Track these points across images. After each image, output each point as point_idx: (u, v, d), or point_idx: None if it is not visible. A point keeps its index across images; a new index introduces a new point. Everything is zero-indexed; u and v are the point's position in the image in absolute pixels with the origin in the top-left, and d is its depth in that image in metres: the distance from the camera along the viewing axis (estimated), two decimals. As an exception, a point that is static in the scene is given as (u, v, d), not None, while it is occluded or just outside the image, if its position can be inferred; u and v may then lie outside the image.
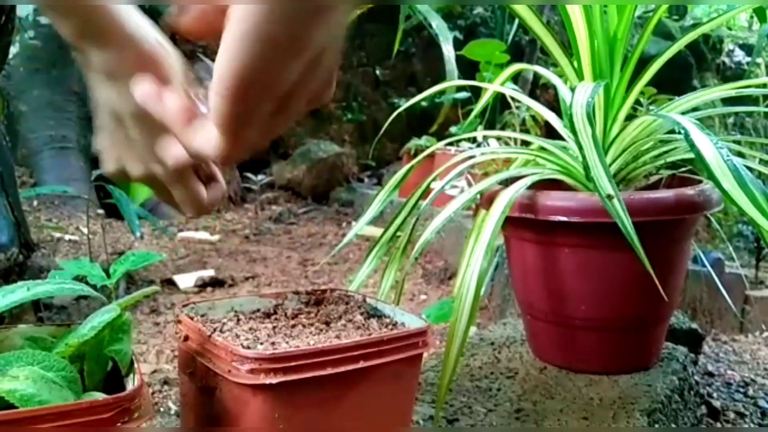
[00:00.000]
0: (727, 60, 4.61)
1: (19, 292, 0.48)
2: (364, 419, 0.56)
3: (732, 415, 1.24)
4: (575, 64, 0.90)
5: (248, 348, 0.51)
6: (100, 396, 0.41)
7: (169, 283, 1.89)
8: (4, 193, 1.43)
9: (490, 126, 2.46)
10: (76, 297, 1.63)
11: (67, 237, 2.20)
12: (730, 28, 4.65)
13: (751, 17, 4.60)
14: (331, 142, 3.76)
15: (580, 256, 0.84)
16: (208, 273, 1.98)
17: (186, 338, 0.56)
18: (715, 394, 1.33)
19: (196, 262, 2.19)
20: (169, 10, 0.46)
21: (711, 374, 1.45)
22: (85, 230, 2.20)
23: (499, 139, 1.75)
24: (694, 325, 1.22)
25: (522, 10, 0.89)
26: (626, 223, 0.65)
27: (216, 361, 0.52)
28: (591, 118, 0.69)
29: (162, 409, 1.08)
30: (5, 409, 0.37)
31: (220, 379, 0.52)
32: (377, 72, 4.33)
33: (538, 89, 3.37)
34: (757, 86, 0.93)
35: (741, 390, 1.37)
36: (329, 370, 0.52)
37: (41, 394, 0.39)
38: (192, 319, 0.58)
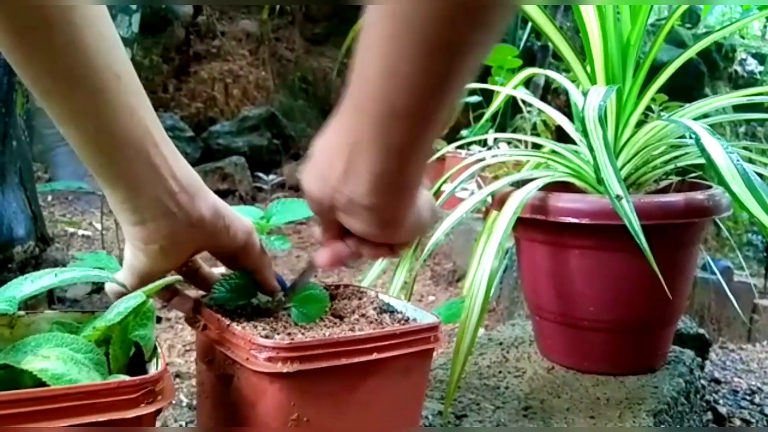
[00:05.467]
0: (739, 69, 4.60)
1: (47, 278, 0.50)
2: (375, 410, 0.58)
3: (738, 422, 1.25)
4: (588, 68, 0.92)
5: (266, 337, 0.53)
6: (126, 378, 0.43)
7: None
8: (22, 187, 1.46)
9: (501, 130, 2.47)
10: (89, 291, 1.65)
11: (80, 232, 2.22)
12: (743, 37, 4.64)
13: (765, 26, 4.59)
14: (341, 144, 3.77)
15: (589, 258, 0.85)
16: (220, 270, 2.00)
17: (205, 327, 0.58)
18: (721, 401, 1.33)
19: (208, 260, 2.20)
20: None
21: (718, 381, 1.45)
22: (99, 226, 2.22)
23: (509, 142, 1.76)
24: (701, 330, 1.22)
25: (536, 14, 0.91)
26: (634, 223, 0.66)
27: (234, 350, 0.54)
28: (603, 121, 0.70)
29: (174, 402, 1.10)
30: (37, 386, 0.39)
31: (237, 367, 0.54)
32: (389, 75, 4.34)
33: (549, 94, 3.38)
34: (768, 94, 0.94)
35: (747, 397, 1.37)
36: (344, 361, 0.53)
37: (71, 373, 0.41)
38: (211, 309, 0.59)
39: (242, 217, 0.57)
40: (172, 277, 0.54)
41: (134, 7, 3.16)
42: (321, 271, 0.61)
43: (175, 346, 1.41)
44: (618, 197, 0.67)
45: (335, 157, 0.43)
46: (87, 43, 0.44)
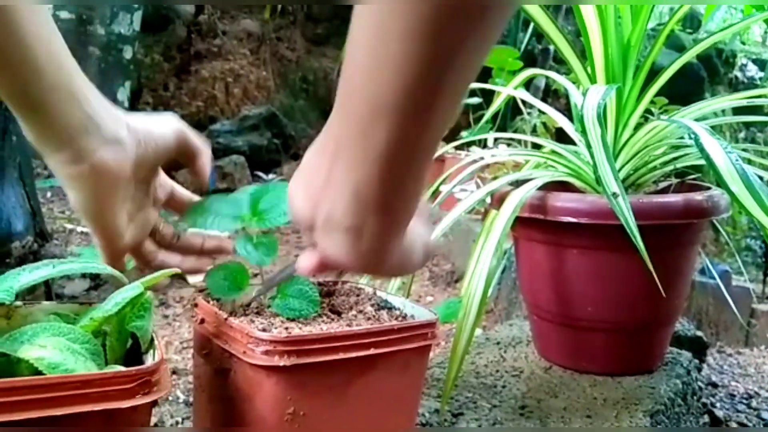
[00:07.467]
0: (739, 74, 4.60)
1: (45, 269, 0.50)
2: (371, 405, 0.57)
3: (734, 425, 1.25)
4: (589, 69, 0.92)
5: (263, 331, 0.53)
6: (122, 368, 0.43)
7: (179, 277, 1.91)
8: (21, 183, 1.46)
9: (501, 132, 2.47)
10: (87, 287, 1.65)
11: (79, 228, 2.22)
12: (743, 42, 4.65)
13: (766, 32, 4.59)
14: (341, 144, 3.78)
15: (588, 258, 0.85)
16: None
17: (202, 321, 0.58)
18: (718, 405, 1.33)
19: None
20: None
21: (715, 385, 1.45)
22: (97, 223, 2.22)
23: (509, 144, 1.76)
24: (699, 333, 1.22)
25: (538, 15, 0.91)
26: (630, 221, 0.66)
27: (232, 343, 0.54)
28: (601, 119, 0.70)
29: (170, 398, 1.10)
30: (33, 375, 0.39)
31: (234, 360, 0.54)
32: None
33: (550, 97, 3.38)
34: (768, 96, 0.94)
35: (744, 401, 1.37)
36: (341, 356, 0.53)
37: (67, 363, 0.41)
38: (208, 302, 0.59)
39: (162, 119, 0.59)
40: (170, 270, 0.53)
41: (136, 5, 3.16)
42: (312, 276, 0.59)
43: (172, 343, 1.41)
44: (614, 195, 0.67)
45: (319, 165, 0.38)
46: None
